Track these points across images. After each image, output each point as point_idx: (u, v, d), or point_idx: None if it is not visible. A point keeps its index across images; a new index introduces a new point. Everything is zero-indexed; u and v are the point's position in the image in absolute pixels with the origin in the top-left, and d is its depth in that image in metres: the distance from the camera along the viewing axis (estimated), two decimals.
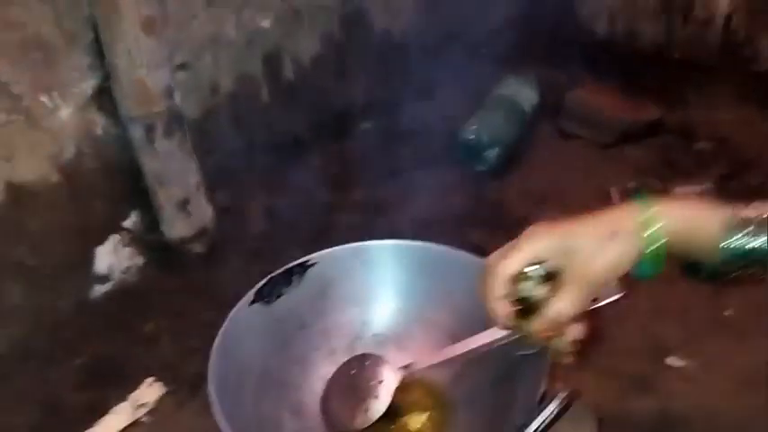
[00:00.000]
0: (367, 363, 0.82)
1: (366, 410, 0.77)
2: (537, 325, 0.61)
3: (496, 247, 0.67)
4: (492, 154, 1.47)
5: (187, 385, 1.11)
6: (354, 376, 0.81)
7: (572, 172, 1.51)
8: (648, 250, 0.56)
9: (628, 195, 1.36)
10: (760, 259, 0.55)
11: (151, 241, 1.26)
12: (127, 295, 1.26)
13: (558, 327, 0.61)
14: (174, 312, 1.23)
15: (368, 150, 1.54)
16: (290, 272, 0.88)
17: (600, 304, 0.72)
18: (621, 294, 0.72)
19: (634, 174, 1.46)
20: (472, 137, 1.47)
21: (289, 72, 1.43)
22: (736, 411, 0.95)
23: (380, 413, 0.77)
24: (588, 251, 0.58)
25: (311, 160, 1.47)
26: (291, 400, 0.83)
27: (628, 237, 0.57)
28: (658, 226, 0.56)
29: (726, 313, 1.13)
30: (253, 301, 0.84)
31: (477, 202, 1.43)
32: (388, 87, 1.61)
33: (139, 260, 1.28)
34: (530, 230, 0.62)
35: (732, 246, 0.55)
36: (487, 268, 0.63)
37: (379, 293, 0.92)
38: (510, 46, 1.72)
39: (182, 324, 1.21)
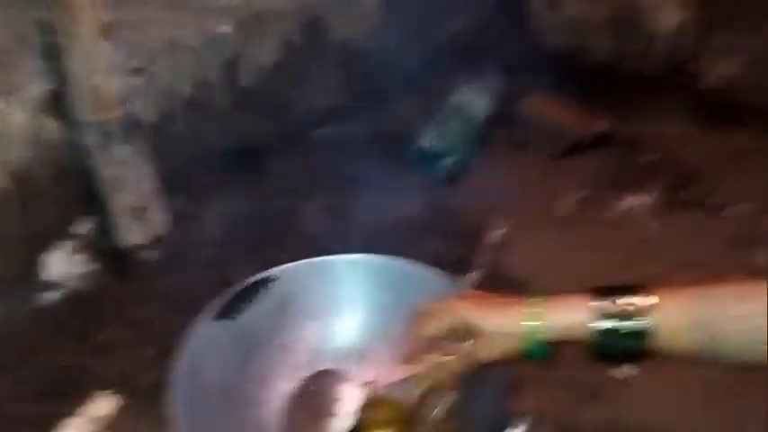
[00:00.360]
0: (329, 379, 0.83)
1: (328, 429, 0.78)
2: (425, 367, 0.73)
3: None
4: (448, 162, 1.50)
5: (144, 397, 1.10)
6: (316, 393, 0.82)
7: (523, 181, 1.54)
8: (529, 343, 0.68)
9: (578, 206, 1.43)
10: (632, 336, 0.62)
11: (105, 248, 1.24)
12: (80, 303, 1.24)
13: (440, 380, 0.73)
14: (128, 321, 1.21)
15: (325, 157, 1.55)
16: (251, 287, 0.88)
17: None
18: None
19: (583, 184, 1.51)
20: (429, 145, 1.49)
21: (247, 78, 1.42)
22: (680, 418, 1.00)
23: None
24: (486, 337, 0.69)
25: (269, 167, 1.47)
26: (253, 417, 0.84)
27: (514, 332, 0.68)
28: (539, 324, 0.67)
29: None
30: (216, 317, 0.84)
31: (434, 210, 1.45)
32: (347, 95, 1.62)
33: (92, 267, 1.25)
34: (453, 302, 0.74)
35: (601, 328, 0.64)
36: (418, 314, 0.75)
37: (341, 308, 0.93)
38: (466, 55, 1.75)
39: (137, 333, 1.19)
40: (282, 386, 0.87)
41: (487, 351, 0.70)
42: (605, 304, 0.63)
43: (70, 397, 1.09)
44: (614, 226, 1.41)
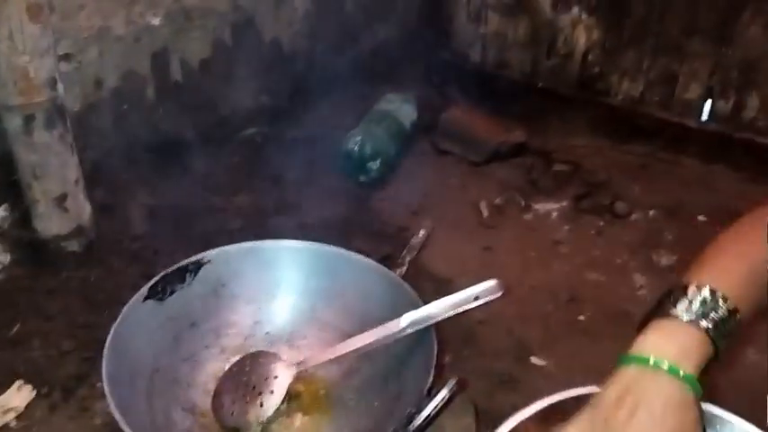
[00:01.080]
0: (261, 359, 0.83)
1: (261, 405, 0.79)
2: None
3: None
4: (374, 166, 1.53)
5: (60, 389, 1.07)
6: (248, 372, 0.82)
7: (445, 186, 1.61)
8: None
9: (496, 210, 1.49)
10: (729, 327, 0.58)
11: (21, 238, 1.20)
12: None
13: None
14: (44, 314, 1.17)
15: (252, 157, 1.56)
16: (183, 269, 0.88)
17: (481, 302, 0.80)
18: (500, 294, 0.80)
19: (501, 189, 1.59)
20: (356, 148, 1.52)
21: (176, 72, 1.42)
22: None
23: (275, 407, 0.79)
24: None
25: (195, 163, 1.46)
26: (183, 397, 0.83)
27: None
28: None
29: (580, 318, 1.25)
30: (146, 298, 0.83)
31: (359, 211, 1.49)
32: (275, 96, 1.63)
33: (6, 258, 1.21)
34: None
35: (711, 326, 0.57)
36: None
37: (271, 293, 0.93)
38: (392, 64, 1.81)
39: (53, 326, 1.15)
40: (212, 368, 0.87)
41: None
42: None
43: None
44: (529, 228, 1.49)
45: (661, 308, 0.59)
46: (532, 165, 1.67)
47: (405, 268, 1.31)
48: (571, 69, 1.77)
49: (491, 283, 0.80)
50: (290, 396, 0.81)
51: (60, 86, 1.12)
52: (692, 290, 0.59)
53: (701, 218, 1.50)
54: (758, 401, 0.72)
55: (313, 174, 1.53)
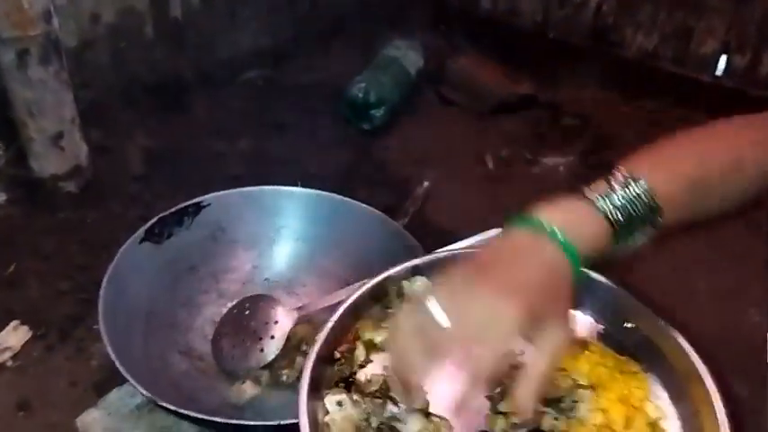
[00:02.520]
0: (261, 303, 0.82)
1: (261, 350, 0.78)
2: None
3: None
4: (377, 113, 1.50)
5: (56, 329, 1.06)
6: (248, 317, 0.81)
7: (450, 136, 1.57)
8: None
9: (501, 163, 1.46)
10: (637, 216, 0.55)
11: (16, 177, 1.17)
12: None
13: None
14: (41, 254, 1.15)
15: (253, 101, 1.52)
16: (182, 212, 0.86)
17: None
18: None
19: (507, 142, 1.55)
20: (360, 95, 1.48)
21: (176, 9, 1.37)
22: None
23: (276, 353, 0.78)
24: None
25: (195, 106, 1.43)
26: (180, 341, 0.82)
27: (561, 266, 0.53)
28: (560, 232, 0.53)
29: None
30: (143, 240, 0.82)
31: (361, 160, 1.46)
32: (277, 37, 1.59)
33: (1, 197, 1.19)
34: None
35: (610, 211, 0.55)
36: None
37: (271, 239, 0.92)
38: (400, 8, 1.75)
39: (50, 266, 1.14)
40: (211, 312, 0.86)
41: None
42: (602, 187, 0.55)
43: None
44: (535, 182, 1.46)
45: (579, 189, 0.57)
46: (540, 118, 1.63)
47: (407, 219, 1.29)
48: (584, 20, 1.72)
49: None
50: (290, 341, 0.80)
51: (55, 20, 1.08)
52: (618, 175, 0.56)
53: None
54: (759, 363, 0.71)
55: (315, 120, 1.49)
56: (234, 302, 0.86)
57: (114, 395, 0.80)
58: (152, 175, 1.29)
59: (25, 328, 1.05)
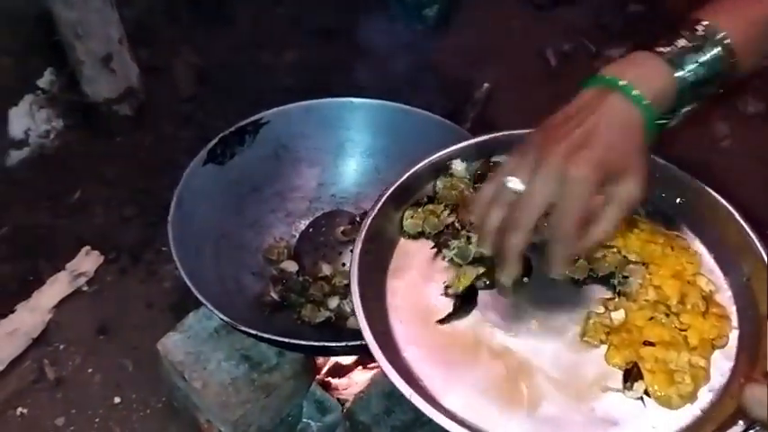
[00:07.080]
0: (337, 219, 0.80)
1: (343, 264, 0.77)
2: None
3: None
4: (430, 12, 1.42)
5: (127, 253, 1.07)
6: (325, 233, 0.80)
7: (507, 32, 1.48)
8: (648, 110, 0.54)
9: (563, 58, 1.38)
10: (711, 74, 0.55)
11: (71, 102, 1.16)
12: (48, 162, 1.17)
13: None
14: (102, 180, 1.15)
15: (298, 6, 1.45)
16: (242, 130, 0.83)
17: None
18: None
19: (568, 35, 1.46)
20: None
21: None
22: None
23: None
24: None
25: (238, 16, 1.37)
26: (251, 262, 0.81)
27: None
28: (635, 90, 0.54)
29: None
30: (206, 161, 0.79)
31: (416, 64, 1.39)
32: None
33: (59, 123, 1.18)
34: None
35: (685, 69, 0.55)
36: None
37: (334, 153, 0.89)
38: None
39: (113, 192, 1.14)
40: (280, 231, 0.84)
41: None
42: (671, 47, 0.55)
43: (48, 256, 1.06)
44: None
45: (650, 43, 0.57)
46: (602, 5, 1.52)
47: (468, 124, 1.24)
48: None
49: None
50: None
51: None
52: (692, 27, 0.55)
53: None
54: None
55: (365, 23, 1.42)
56: (303, 222, 0.84)
57: (192, 318, 0.80)
58: (202, 93, 1.26)
59: (96, 253, 1.06)
